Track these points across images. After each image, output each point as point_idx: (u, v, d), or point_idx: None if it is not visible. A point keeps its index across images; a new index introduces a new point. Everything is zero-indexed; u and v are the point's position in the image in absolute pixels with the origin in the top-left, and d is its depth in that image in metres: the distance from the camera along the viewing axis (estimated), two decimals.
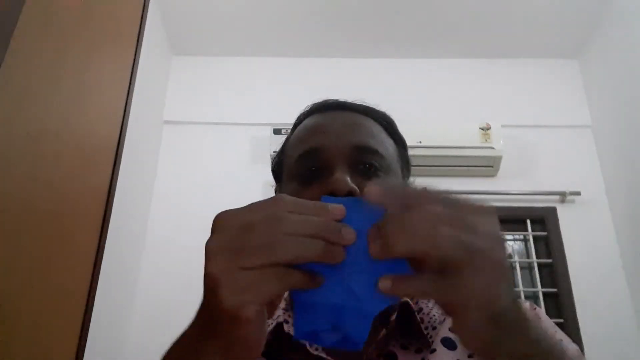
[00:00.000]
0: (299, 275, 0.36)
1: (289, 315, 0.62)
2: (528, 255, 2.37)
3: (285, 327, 0.60)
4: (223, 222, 0.38)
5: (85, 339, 1.01)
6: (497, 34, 2.58)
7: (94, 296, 1.05)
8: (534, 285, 2.29)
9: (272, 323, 0.63)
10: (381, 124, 0.69)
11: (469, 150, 2.38)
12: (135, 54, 1.29)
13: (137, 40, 1.30)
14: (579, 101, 2.62)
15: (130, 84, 1.26)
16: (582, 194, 2.37)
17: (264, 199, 0.38)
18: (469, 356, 0.57)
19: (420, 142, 2.34)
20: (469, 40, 2.62)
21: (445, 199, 0.38)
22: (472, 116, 2.49)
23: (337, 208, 0.38)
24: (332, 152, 0.61)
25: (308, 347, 0.57)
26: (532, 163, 2.50)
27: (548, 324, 0.62)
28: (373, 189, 0.38)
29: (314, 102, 0.71)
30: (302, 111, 0.72)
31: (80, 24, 1.02)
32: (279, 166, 0.72)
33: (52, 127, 0.92)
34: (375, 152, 0.62)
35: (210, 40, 2.67)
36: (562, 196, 2.38)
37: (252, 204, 0.38)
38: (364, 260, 0.37)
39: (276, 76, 2.70)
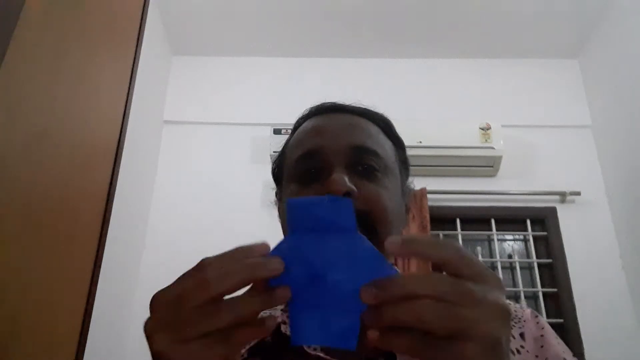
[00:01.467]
0: (246, 331, 0.37)
1: (287, 316, 0.62)
2: (528, 255, 2.37)
3: (283, 327, 0.60)
4: (156, 301, 0.39)
5: (85, 339, 1.01)
6: (497, 34, 2.58)
7: (94, 296, 1.05)
8: (534, 285, 2.29)
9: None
10: (379, 125, 0.69)
11: (469, 150, 2.38)
12: (135, 54, 1.29)
13: (137, 40, 1.30)
14: (579, 101, 2.62)
15: (130, 84, 1.26)
16: (582, 194, 2.37)
17: (192, 267, 0.39)
18: None
19: (420, 142, 2.34)
20: (469, 40, 2.62)
21: (460, 262, 0.37)
22: (472, 116, 2.49)
23: (258, 246, 0.39)
24: (330, 153, 0.61)
25: (306, 347, 0.57)
26: (532, 163, 2.50)
27: (550, 335, 0.61)
28: (392, 243, 0.37)
29: (311, 106, 0.72)
30: (301, 115, 0.73)
31: (81, 24, 1.02)
32: (279, 169, 0.73)
33: (52, 127, 0.92)
34: (373, 153, 0.62)
35: (210, 40, 2.67)
36: (562, 196, 2.38)
37: (180, 277, 0.39)
38: (343, 260, 0.39)
39: (276, 76, 2.70)
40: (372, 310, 0.36)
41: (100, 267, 1.08)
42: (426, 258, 0.38)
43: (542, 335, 0.61)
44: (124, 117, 1.22)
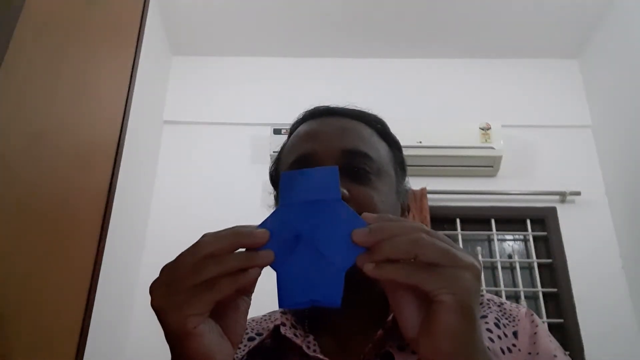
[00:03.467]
0: (229, 279, 0.41)
1: (287, 318, 0.62)
2: (528, 255, 2.37)
3: (283, 329, 0.60)
4: (162, 269, 0.45)
5: (85, 339, 1.01)
6: (497, 34, 2.58)
7: (94, 296, 1.05)
8: (534, 285, 2.29)
9: (270, 327, 0.63)
10: (372, 127, 0.70)
11: (469, 150, 2.38)
12: (135, 54, 1.29)
13: (137, 40, 1.30)
14: (579, 101, 2.62)
15: (130, 84, 1.26)
16: (582, 194, 2.37)
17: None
18: None
19: (420, 142, 2.34)
20: (469, 40, 2.62)
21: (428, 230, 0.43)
22: (472, 116, 2.49)
23: (249, 226, 0.44)
24: (323, 157, 0.63)
25: (305, 349, 0.58)
26: (532, 163, 2.51)
27: (543, 334, 0.62)
28: (368, 217, 0.44)
29: (306, 110, 0.73)
30: (296, 119, 0.74)
31: (80, 24, 1.02)
32: (276, 173, 0.74)
33: (52, 127, 0.92)
34: (365, 156, 0.63)
35: (210, 40, 2.67)
36: (562, 196, 2.38)
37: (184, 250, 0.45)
38: (326, 225, 0.43)
39: (276, 76, 2.70)
40: (364, 253, 0.41)
41: (100, 267, 1.08)
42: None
43: (535, 333, 0.62)
44: (124, 117, 1.22)
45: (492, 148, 2.37)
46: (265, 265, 0.43)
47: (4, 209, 0.78)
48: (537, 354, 0.60)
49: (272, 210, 0.46)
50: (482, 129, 2.41)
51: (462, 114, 2.56)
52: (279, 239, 0.44)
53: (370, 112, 0.72)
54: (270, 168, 0.76)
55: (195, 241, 0.44)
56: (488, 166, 2.43)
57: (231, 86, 2.68)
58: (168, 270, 0.44)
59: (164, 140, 2.57)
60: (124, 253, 2.05)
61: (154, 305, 0.43)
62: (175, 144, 2.56)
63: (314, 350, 0.58)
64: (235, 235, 0.43)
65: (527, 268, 2.35)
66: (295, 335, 0.60)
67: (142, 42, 1.32)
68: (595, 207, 2.39)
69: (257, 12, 2.49)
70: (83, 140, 1.05)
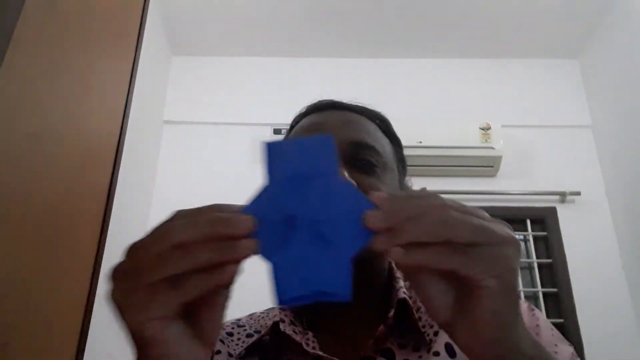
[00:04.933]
0: (200, 277, 0.34)
1: (286, 315, 0.62)
2: (528, 255, 2.37)
3: (282, 326, 0.59)
4: (126, 250, 0.37)
5: (85, 339, 1.01)
6: (497, 34, 2.58)
7: (94, 296, 1.05)
8: (534, 285, 2.29)
9: (268, 324, 0.62)
10: (376, 123, 0.69)
11: (469, 150, 2.38)
12: (135, 54, 1.29)
13: (137, 40, 1.30)
14: (579, 101, 2.62)
15: (130, 84, 1.26)
16: (582, 194, 2.37)
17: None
18: None
19: (420, 142, 2.34)
20: (469, 40, 2.62)
21: (451, 201, 0.37)
22: (472, 116, 2.49)
23: (230, 206, 0.37)
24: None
25: (305, 346, 0.57)
26: (532, 163, 2.50)
27: (545, 326, 0.62)
28: (378, 195, 0.37)
29: (308, 104, 0.72)
30: (298, 113, 0.73)
31: (80, 24, 1.02)
32: None
33: (52, 127, 0.92)
34: (371, 148, 0.62)
35: (210, 40, 2.67)
36: (562, 196, 2.38)
37: (154, 227, 0.37)
38: (325, 205, 0.36)
39: (276, 76, 2.70)
40: (382, 236, 0.35)
41: (100, 267, 1.08)
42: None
43: (537, 325, 0.62)
44: (124, 117, 1.22)
45: (492, 148, 2.37)
46: (247, 258, 0.35)
47: (4, 209, 0.77)
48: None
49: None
50: (482, 129, 2.41)
51: (462, 114, 2.56)
52: (269, 223, 0.36)
53: (373, 107, 0.71)
54: None
55: (168, 217, 0.37)
56: (488, 166, 2.43)
57: (231, 86, 2.68)
58: (131, 255, 0.36)
59: (164, 140, 2.57)
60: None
61: (110, 300, 0.36)
62: (175, 144, 2.56)
63: (313, 347, 0.57)
64: (212, 223, 0.35)
65: (527, 268, 2.35)
66: (294, 332, 0.59)
67: (142, 42, 1.32)
68: (595, 207, 2.39)
69: (257, 12, 2.49)
70: (83, 140, 1.05)
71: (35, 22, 0.83)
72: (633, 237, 2.22)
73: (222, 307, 0.38)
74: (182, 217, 0.36)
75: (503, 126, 2.43)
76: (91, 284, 1.05)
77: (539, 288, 2.26)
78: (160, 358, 0.35)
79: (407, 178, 0.72)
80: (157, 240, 0.35)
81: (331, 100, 0.71)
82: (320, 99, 0.72)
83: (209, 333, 0.38)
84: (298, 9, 2.47)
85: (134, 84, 1.27)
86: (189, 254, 0.34)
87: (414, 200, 0.36)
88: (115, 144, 1.19)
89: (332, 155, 0.38)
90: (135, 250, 0.36)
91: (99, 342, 1.14)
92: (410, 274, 0.38)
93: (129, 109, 1.25)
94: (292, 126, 0.72)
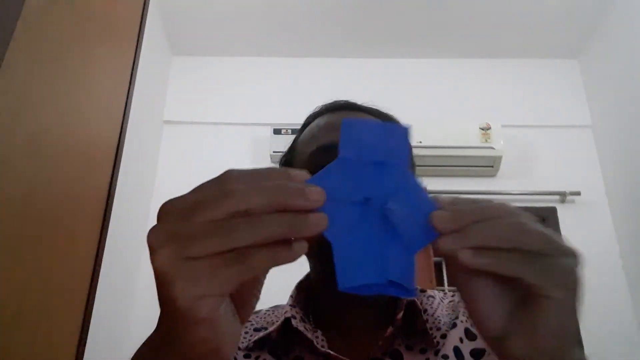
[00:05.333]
0: (268, 252, 0.31)
1: (297, 311, 0.62)
2: None
3: (293, 322, 0.59)
4: (165, 210, 0.33)
5: (85, 339, 1.01)
6: (497, 34, 2.58)
7: (94, 296, 1.05)
8: None
9: (276, 321, 0.63)
10: None
11: (469, 150, 2.38)
12: (135, 54, 1.29)
13: (137, 40, 1.30)
14: (579, 101, 2.62)
15: (130, 84, 1.26)
16: (582, 194, 2.37)
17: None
18: None
19: (420, 142, 2.34)
20: (469, 40, 2.62)
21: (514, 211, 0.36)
22: (472, 116, 2.49)
23: (298, 174, 0.33)
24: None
25: (315, 343, 0.57)
26: (532, 163, 2.50)
27: None
28: (442, 197, 0.36)
29: (324, 103, 0.72)
30: (312, 112, 0.73)
31: (80, 24, 1.02)
32: (288, 165, 0.72)
33: (52, 127, 0.92)
34: None
35: (210, 40, 2.67)
36: (562, 196, 2.38)
37: (198, 185, 0.33)
38: (399, 193, 0.35)
39: (276, 76, 2.70)
40: (448, 237, 0.33)
41: (100, 267, 1.08)
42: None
43: None
44: (124, 117, 1.22)
45: (492, 148, 2.37)
46: (316, 234, 0.32)
47: (4, 209, 0.77)
48: None
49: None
50: (482, 129, 2.41)
51: (462, 114, 2.56)
52: (337, 201, 0.33)
53: (387, 111, 0.72)
54: (281, 161, 0.73)
55: (218, 176, 0.32)
56: (488, 166, 2.43)
57: (231, 86, 2.68)
58: (179, 217, 0.32)
59: (164, 140, 2.57)
60: (124, 253, 2.04)
61: (156, 268, 0.31)
62: (175, 144, 2.56)
63: (323, 346, 0.57)
64: (280, 191, 0.31)
65: None
66: (305, 329, 0.59)
67: (142, 42, 1.32)
68: (595, 207, 2.39)
69: (257, 12, 2.49)
70: (83, 140, 1.05)
71: (35, 22, 0.83)
72: (633, 237, 2.22)
73: (263, 282, 0.36)
74: (240, 180, 0.32)
75: (503, 126, 2.43)
76: (91, 283, 1.05)
77: None
78: (205, 338, 0.32)
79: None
80: (216, 203, 0.31)
81: (346, 101, 0.71)
82: (336, 100, 0.72)
83: (246, 312, 0.36)
84: (298, 9, 2.47)
85: (134, 84, 1.27)
86: (258, 225, 0.30)
87: (480, 204, 0.35)
88: (115, 144, 1.19)
89: (408, 146, 0.36)
90: (186, 211, 0.31)
91: (99, 342, 1.14)
92: (465, 278, 0.35)
93: (129, 109, 1.25)
94: (305, 125, 0.72)
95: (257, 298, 0.37)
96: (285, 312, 0.63)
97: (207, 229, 0.30)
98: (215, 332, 0.32)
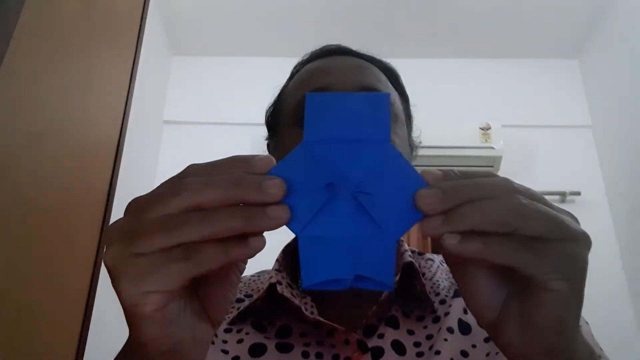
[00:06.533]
0: (218, 249, 0.28)
1: (282, 277, 0.58)
2: None
3: (279, 288, 0.55)
4: (128, 206, 0.32)
5: (85, 339, 1.01)
6: (497, 34, 2.58)
7: (94, 296, 1.05)
8: None
9: (262, 288, 0.58)
10: (385, 74, 0.66)
11: (469, 150, 2.38)
12: (135, 54, 1.29)
13: (137, 40, 1.30)
14: (579, 101, 2.62)
15: (130, 84, 1.26)
16: (582, 194, 2.37)
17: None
18: (485, 340, 0.54)
19: (420, 142, 2.34)
20: (469, 40, 2.62)
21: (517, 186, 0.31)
22: (472, 116, 2.49)
23: (259, 159, 0.30)
24: (339, 91, 0.57)
25: (304, 310, 0.53)
26: (532, 163, 2.50)
27: (589, 337, 0.58)
28: (432, 173, 0.31)
29: (312, 50, 0.69)
30: (300, 60, 0.70)
31: (80, 24, 1.02)
32: (274, 116, 0.68)
33: (52, 126, 0.92)
34: None
35: (210, 40, 2.67)
36: (562, 196, 2.38)
37: (163, 182, 0.31)
38: (372, 173, 0.31)
39: (276, 76, 2.69)
40: (434, 218, 0.29)
41: (100, 267, 1.08)
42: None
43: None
44: (124, 117, 1.22)
45: (492, 148, 2.37)
46: (276, 228, 0.29)
47: (4, 209, 0.77)
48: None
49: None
50: (482, 129, 2.41)
51: (462, 114, 2.56)
52: (302, 189, 0.30)
53: (381, 58, 0.69)
54: (267, 113, 0.70)
55: (180, 172, 0.31)
56: (488, 166, 2.43)
57: (231, 86, 2.68)
58: (135, 212, 0.30)
59: (164, 140, 2.57)
60: None
61: (105, 264, 0.30)
62: (175, 144, 2.56)
63: (312, 312, 0.53)
64: (238, 185, 0.29)
65: None
66: (292, 295, 0.55)
67: (142, 42, 1.32)
68: (595, 207, 2.39)
69: (257, 12, 2.49)
70: (83, 140, 1.05)
71: (35, 22, 0.83)
72: (633, 237, 2.22)
73: (236, 282, 0.34)
74: (198, 173, 0.30)
75: (503, 126, 2.42)
76: (91, 283, 1.05)
77: None
78: (157, 339, 0.30)
79: (414, 134, 0.68)
80: (168, 199, 0.29)
81: (338, 45, 0.66)
82: (326, 44, 0.66)
83: (217, 312, 0.33)
84: (298, 9, 2.47)
85: (134, 84, 1.27)
86: (208, 219, 0.28)
87: (477, 180, 0.30)
88: (115, 144, 1.19)
89: (386, 118, 0.32)
90: (140, 208, 0.30)
91: (99, 342, 1.14)
92: (458, 264, 0.33)
93: (129, 109, 1.25)
94: (294, 73, 0.67)
95: (234, 295, 0.34)
96: (270, 278, 0.58)
97: (155, 225, 0.29)
98: (166, 331, 0.30)
